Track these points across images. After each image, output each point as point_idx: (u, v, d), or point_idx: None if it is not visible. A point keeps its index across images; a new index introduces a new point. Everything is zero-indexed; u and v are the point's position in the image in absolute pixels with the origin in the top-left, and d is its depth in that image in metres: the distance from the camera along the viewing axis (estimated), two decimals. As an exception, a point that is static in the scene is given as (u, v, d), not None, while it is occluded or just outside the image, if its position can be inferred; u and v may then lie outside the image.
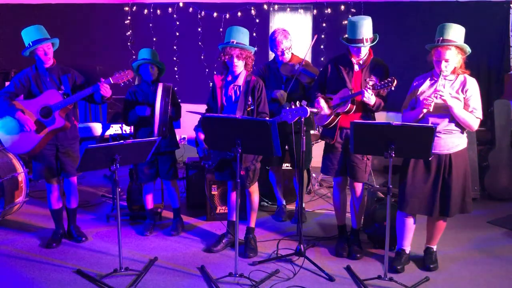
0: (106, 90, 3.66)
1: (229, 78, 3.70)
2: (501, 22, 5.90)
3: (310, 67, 4.28)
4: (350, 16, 6.12)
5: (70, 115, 3.80)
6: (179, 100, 4.29)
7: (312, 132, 4.86)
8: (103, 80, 3.66)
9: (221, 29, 6.41)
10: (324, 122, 3.65)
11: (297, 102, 3.48)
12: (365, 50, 3.52)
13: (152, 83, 4.06)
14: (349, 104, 3.53)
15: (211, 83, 6.53)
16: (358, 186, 3.71)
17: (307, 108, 3.44)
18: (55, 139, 3.75)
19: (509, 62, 5.94)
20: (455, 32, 3.20)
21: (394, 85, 3.37)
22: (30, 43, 3.63)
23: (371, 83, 3.47)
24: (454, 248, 3.93)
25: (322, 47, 6.26)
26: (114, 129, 5.25)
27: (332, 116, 3.60)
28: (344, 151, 3.67)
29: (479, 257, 3.78)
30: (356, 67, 3.60)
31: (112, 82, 3.70)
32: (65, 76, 3.78)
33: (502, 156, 5.31)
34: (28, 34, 3.65)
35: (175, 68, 6.71)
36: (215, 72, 6.26)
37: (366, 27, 3.42)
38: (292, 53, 4.37)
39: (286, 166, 4.80)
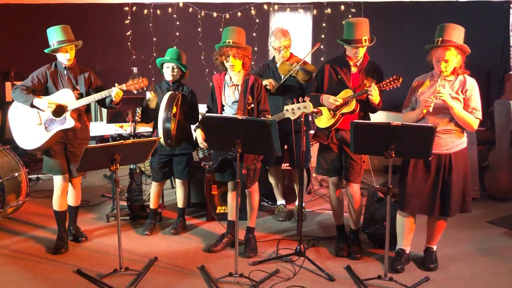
0: (118, 96, 3.65)
1: (228, 78, 3.71)
2: (501, 22, 5.90)
3: (308, 65, 4.30)
4: (350, 16, 6.14)
5: (82, 116, 3.81)
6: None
7: (311, 132, 4.87)
8: (118, 86, 3.65)
9: (221, 29, 6.40)
10: (327, 124, 3.63)
11: (300, 98, 3.47)
12: (362, 51, 3.52)
13: (172, 84, 4.07)
14: (355, 104, 3.53)
15: (211, 84, 6.53)
16: (353, 187, 3.70)
17: (310, 103, 3.42)
18: (65, 137, 3.76)
19: (509, 62, 5.94)
20: (455, 33, 3.20)
21: (400, 82, 3.38)
22: (54, 43, 3.66)
23: (368, 84, 3.47)
24: (454, 248, 3.93)
25: (322, 47, 6.25)
26: (114, 129, 5.25)
27: (337, 117, 3.59)
28: (340, 151, 3.67)
29: (479, 257, 3.78)
30: (354, 69, 3.60)
31: (125, 88, 3.69)
32: (82, 76, 3.79)
33: (502, 156, 5.31)
34: (54, 34, 3.68)
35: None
36: (214, 72, 6.26)
37: (364, 27, 3.43)
38: (290, 53, 4.38)
39: (286, 166, 4.80)
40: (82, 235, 4.01)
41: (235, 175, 3.57)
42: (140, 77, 3.75)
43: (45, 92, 3.77)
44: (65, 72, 3.77)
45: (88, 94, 3.77)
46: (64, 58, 3.71)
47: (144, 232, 4.15)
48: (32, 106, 3.64)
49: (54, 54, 3.76)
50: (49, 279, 3.34)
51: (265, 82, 4.21)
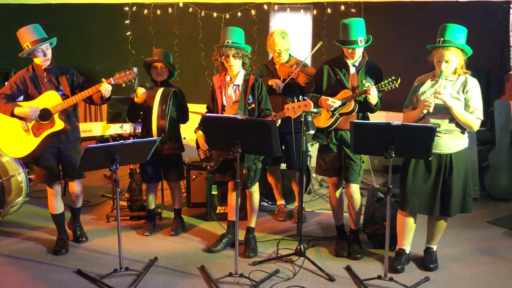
0: (107, 90, 3.55)
1: (228, 78, 3.71)
2: (501, 22, 5.89)
3: (308, 68, 4.30)
4: (350, 16, 6.14)
5: (71, 117, 3.70)
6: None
7: (312, 132, 4.87)
8: (105, 80, 3.56)
9: (221, 29, 6.39)
10: (325, 124, 3.63)
11: (300, 96, 3.47)
12: (359, 51, 3.53)
13: (160, 84, 4.06)
14: (353, 104, 3.53)
15: (211, 83, 6.52)
16: (352, 188, 3.70)
17: (311, 101, 3.42)
18: (58, 141, 3.66)
19: (509, 62, 5.93)
20: (456, 33, 3.19)
21: (398, 83, 3.38)
22: (29, 45, 3.49)
23: (367, 84, 3.48)
24: (454, 248, 3.93)
25: (322, 46, 6.25)
26: (114, 129, 5.25)
27: (335, 117, 3.59)
28: (339, 152, 3.67)
29: (479, 257, 3.78)
30: (352, 69, 3.60)
31: (113, 82, 3.60)
32: (63, 76, 3.67)
33: (502, 156, 5.31)
34: (25, 35, 3.51)
35: (175, 68, 6.69)
36: (214, 72, 6.26)
37: (358, 28, 3.43)
38: (290, 55, 4.37)
39: (285, 166, 4.80)
40: (84, 235, 4.01)
41: (236, 175, 3.57)
42: (127, 69, 3.69)
43: (27, 97, 3.63)
44: (45, 75, 3.62)
45: (73, 93, 3.64)
46: (42, 59, 3.55)
47: (144, 233, 4.15)
48: (13, 115, 3.51)
49: (30, 57, 3.58)
50: (49, 279, 3.34)
51: (270, 82, 4.21)
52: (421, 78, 3.46)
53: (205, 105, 3.93)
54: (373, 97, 3.43)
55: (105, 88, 3.54)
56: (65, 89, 3.67)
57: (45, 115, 3.57)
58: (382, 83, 3.45)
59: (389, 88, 3.44)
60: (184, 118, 4.14)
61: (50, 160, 3.69)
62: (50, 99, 3.58)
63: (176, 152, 4.15)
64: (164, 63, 4.04)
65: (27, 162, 4.63)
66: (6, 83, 5.58)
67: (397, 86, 3.41)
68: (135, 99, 3.95)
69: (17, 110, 3.51)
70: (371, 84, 3.48)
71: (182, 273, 3.46)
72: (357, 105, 3.56)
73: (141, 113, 4.03)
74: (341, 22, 3.52)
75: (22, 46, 3.56)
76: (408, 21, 6.15)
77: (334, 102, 3.51)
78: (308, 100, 3.41)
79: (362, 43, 3.44)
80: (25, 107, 3.53)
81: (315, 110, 3.56)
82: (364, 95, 3.46)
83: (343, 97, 3.54)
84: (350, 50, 3.49)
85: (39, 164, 3.69)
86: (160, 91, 3.87)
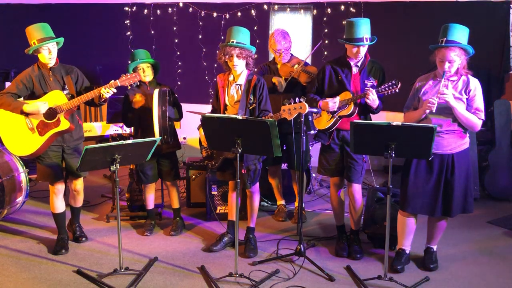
0: (108, 94, 3.55)
1: (231, 77, 3.71)
2: (501, 22, 5.89)
3: (309, 67, 4.29)
4: (350, 16, 6.14)
5: (74, 115, 3.73)
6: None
7: (312, 132, 4.87)
8: (112, 82, 3.56)
9: (221, 29, 6.42)
10: (325, 126, 3.63)
11: (296, 98, 3.47)
12: (364, 50, 3.52)
13: (149, 84, 4.06)
14: (353, 107, 3.53)
15: (211, 83, 6.54)
16: (354, 187, 3.70)
17: (306, 104, 3.42)
18: (61, 140, 3.68)
19: (509, 62, 5.93)
20: (459, 33, 3.19)
21: (398, 87, 3.37)
22: (35, 42, 3.51)
23: (369, 84, 3.47)
24: (454, 248, 3.93)
25: (322, 47, 6.25)
26: (114, 129, 5.25)
27: (335, 119, 3.59)
28: (341, 152, 3.67)
29: (479, 257, 3.78)
30: (354, 69, 3.60)
31: (119, 84, 3.59)
32: (68, 76, 3.69)
33: (502, 156, 5.31)
34: (33, 32, 3.53)
35: (175, 68, 6.71)
36: (215, 72, 6.26)
37: (364, 26, 3.43)
38: (291, 54, 4.37)
39: (286, 166, 4.80)
40: (83, 235, 4.01)
41: (236, 175, 3.57)
42: (133, 72, 3.68)
43: (32, 96, 3.65)
44: (50, 74, 3.64)
45: (79, 93, 3.67)
46: (47, 57, 3.57)
47: (144, 233, 4.15)
48: (23, 113, 3.54)
49: (35, 54, 3.60)
50: (49, 279, 3.34)
51: (274, 79, 4.21)
52: (422, 78, 3.46)
53: (205, 105, 3.93)
54: (373, 101, 3.42)
55: (107, 91, 3.54)
56: (70, 89, 3.69)
57: (51, 114, 3.58)
58: (382, 87, 3.44)
59: (389, 93, 3.43)
60: (179, 116, 4.12)
61: (54, 159, 3.70)
62: (56, 98, 3.59)
63: (173, 150, 4.14)
64: (149, 63, 4.02)
65: (27, 161, 4.64)
66: (7, 82, 5.60)
67: (397, 90, 3.40)
68: (133, 105, 3.95)
69: (26, 108, 3.54)
70: (373, 85, 3.47)
71: (182, 273, 3.46)
72: (356, 108, 3.55)
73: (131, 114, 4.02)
74: (346, 20, 3.51)
75: (29, 43, 3.58)
76: (408, 21, 6.15)
77: (335, 102, 3.51)
78: (303, 102, 3.41)
79: (368, 41, 3.44)
80: (33, 103, 3.55)
81: (314, 110, 3.56)
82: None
83: (343, 100, 3.54)
84: (355, 49, 3.48)
85: (43, 162, 3.69)
86: (156, 91, 3.85)
